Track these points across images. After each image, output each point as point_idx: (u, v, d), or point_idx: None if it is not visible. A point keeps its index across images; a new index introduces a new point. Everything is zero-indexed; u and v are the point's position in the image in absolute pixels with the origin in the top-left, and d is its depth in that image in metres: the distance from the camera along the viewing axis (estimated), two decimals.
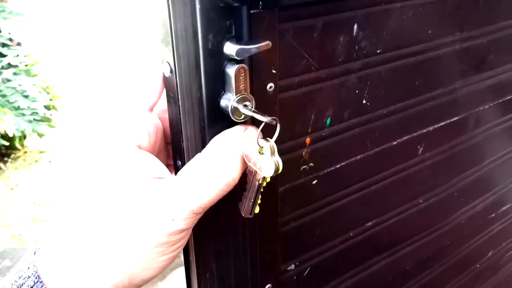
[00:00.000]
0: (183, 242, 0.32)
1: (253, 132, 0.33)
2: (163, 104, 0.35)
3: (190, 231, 0.32)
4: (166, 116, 0.35)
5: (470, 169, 0.62)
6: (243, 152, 0.32)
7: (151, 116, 0.35)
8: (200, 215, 0.31)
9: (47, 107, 2.68)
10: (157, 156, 0.34)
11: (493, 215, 0.72)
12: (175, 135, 0.34)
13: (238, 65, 0.31)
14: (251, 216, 0.34)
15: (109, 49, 4.00)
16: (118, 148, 0.32)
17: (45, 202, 2.27)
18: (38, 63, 2.73)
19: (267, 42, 0.31)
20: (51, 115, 2.69)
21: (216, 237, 0.38)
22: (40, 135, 2.57)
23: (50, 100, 2.73)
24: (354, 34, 0.40)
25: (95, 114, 3.07)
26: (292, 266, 0.46)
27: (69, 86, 3.35)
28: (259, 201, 0.34)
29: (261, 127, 0.32)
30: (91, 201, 0.31)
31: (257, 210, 0.34)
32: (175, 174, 0.36)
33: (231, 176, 0.31)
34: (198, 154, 0.32)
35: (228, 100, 0.31)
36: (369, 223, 0.52)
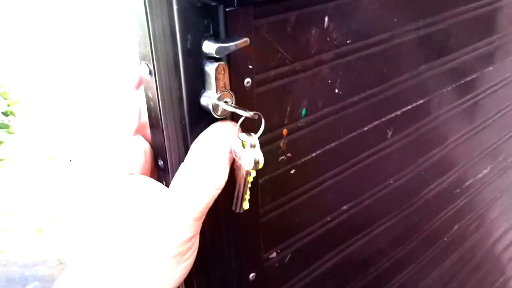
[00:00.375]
0: (195, 247, 0.33)
1: (232, 128, 0.33)
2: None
3: (198, 235, 0.32)
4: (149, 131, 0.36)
5: (436, 148, 0.65)
6: (229, 148, 0.32)
7: (135, 140, 0.35)
8: (202, 219, 0.32)
9: (5, 113, 2.59)
10: (151, 172, 0.35)
11: (457, 190, 0.75)
12: (156, 135, 0.34)
13: (217, 63, 0.31)
14: (240, 211, 0.35)
15: (67, 51, 3.87)
16: (111, 183, 0.33)
17: (7, 210, 2.20)
18: None
19: (245, 39, 0.31)
20: (9, 121, 2.60)
21: (200, 233, 0.38)
22: None
23: (8, 106, 2.64)
24: (325, 26, 0.41)
25: (56, 118, 2.99)
26: (274, 254, 0.47)
27: (27, 90, 3.24)
28: (247, 197, 0.34)
29: (240, 121, 0.33)
30: (99, 238, 0.31)
31: (245, 205, 0.35)
32: (158, 175, 0.37)
33: (222, 177, 0.31)
34: (184, 162, 0.32)
35: (209, 98, 0.32)
36: (345, 207, 0.54)
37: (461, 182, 0.75)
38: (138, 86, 0.35)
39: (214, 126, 0.33)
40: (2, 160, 2.66)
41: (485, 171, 0.81)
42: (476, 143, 0.75)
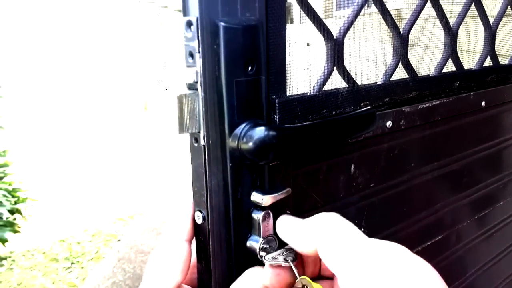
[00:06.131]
0: None
1: (262, 275, 0.35)
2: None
3: None
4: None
5: (455, 282, 0.66)
6: None
7: None
8: None
9: (11, 211, 2.62)
10: None
11: None
12: (204, 275, 0.37)
13: (263, 211, 0.35)
14: None
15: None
16: None
17: None
18: (7, 165, 2.72)
19: (288, 189, 0.36)
20: (14, 219, 2.63)
21: None
22: (3, 241, 2.48)
23: (15, 203, 2.68)
24: (351, 173, 0.46)
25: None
26: None
27: (34, 187, 3.33)
28: None
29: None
30: None
31: None
32: None
33: None
34: None
35: (256, 242, 0.36)
36: None
37: None
38: (190, 240, 0.37)
39: (245, 274, 0.35)
40: (4, 259, 2.61)
41: None
42: (495, 274, 0.75)
